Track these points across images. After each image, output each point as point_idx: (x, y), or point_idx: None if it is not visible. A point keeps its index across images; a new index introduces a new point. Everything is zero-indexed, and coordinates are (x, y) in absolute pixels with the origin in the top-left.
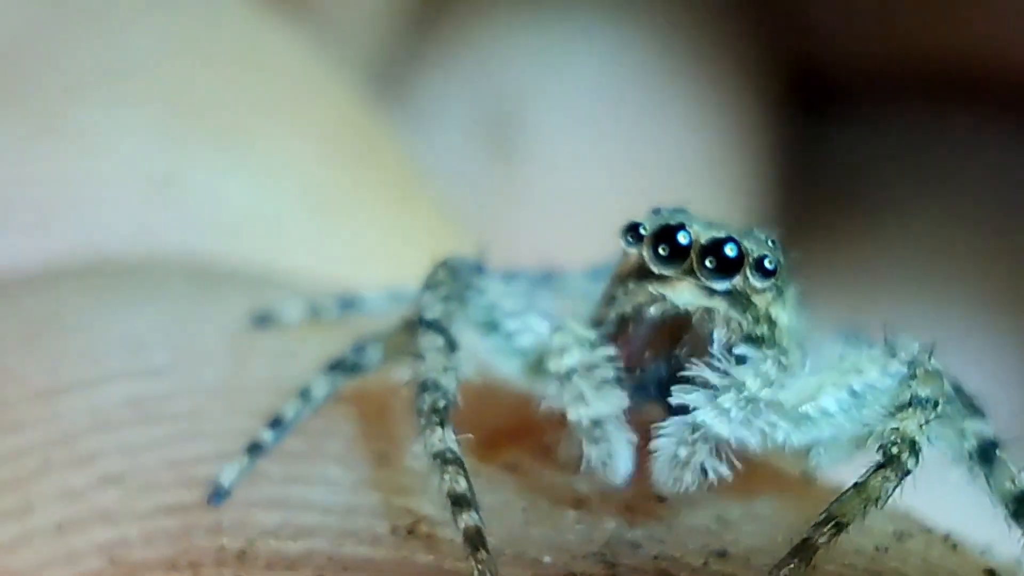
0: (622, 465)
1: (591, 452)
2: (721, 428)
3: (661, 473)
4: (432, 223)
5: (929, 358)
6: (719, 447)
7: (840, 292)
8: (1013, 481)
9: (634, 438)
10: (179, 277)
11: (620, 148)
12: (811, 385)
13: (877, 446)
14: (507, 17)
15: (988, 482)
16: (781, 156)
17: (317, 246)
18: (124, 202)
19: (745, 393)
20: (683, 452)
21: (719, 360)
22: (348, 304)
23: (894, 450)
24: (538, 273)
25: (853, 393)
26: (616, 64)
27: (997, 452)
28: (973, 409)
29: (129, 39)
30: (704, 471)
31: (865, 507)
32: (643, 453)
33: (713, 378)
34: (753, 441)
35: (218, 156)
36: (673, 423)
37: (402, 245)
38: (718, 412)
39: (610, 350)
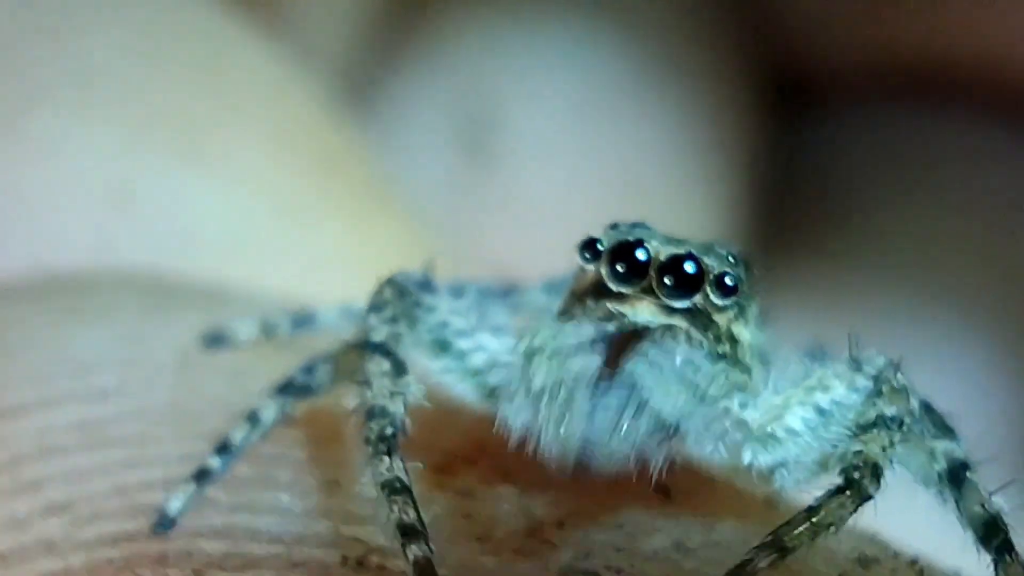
0: (576, 428)
1: (548, 411)
2: (667, 407)
3: (599, 432)
4: (398, 233)
5: (895, 373)
6: (662, 434)
7: (822, 297)
8: (983, 505)
9: (589, 408)
10: (131, 294)
11: (597, 153)
12: (776, 404)
13: (839, 469)
14: (482, 22)
15: (958, 505)
16: (762, 159)
17: (278, 258)
18: (82, 214)
19: (699, 387)
20: (629, 412)
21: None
22: (301, 322)
23: (855, 474)
24: (495, 286)
25: (820, 411)
26: (593, 68)
27: (967, 475)
28: (943, 429)
29: (90, 47)
30: (642, 449)
31: (816, 533)
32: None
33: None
34: (704, 445)
35: (178, 166)
36: (623, 382)
37: (365, 256)
38: (665, 392)
39: (582, 333)
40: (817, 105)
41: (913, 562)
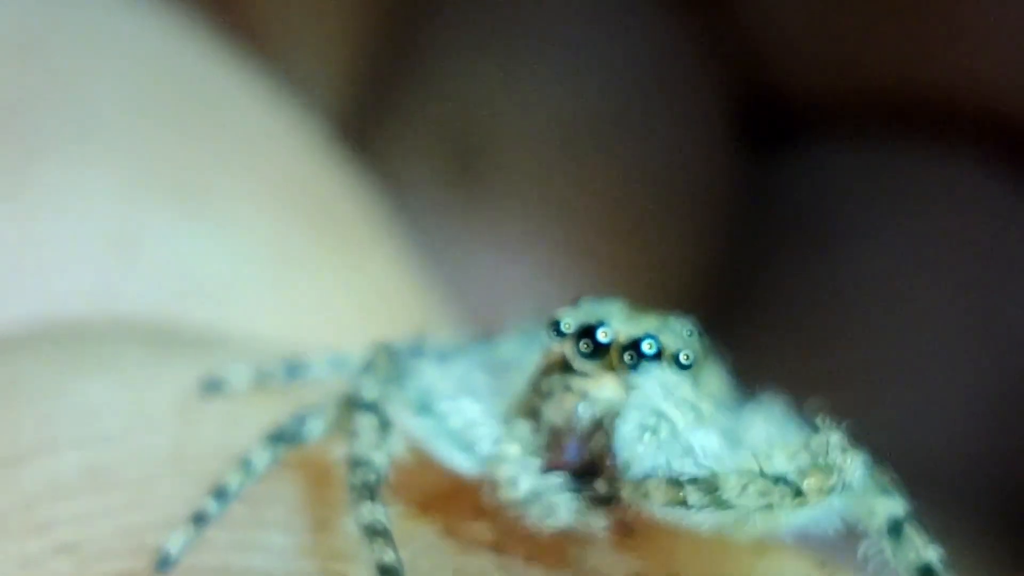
0: (563, 518)
1: (532, 512)
2: (676, 417)
3: (625, 441)
4: (391, 275)
5: (827, 452)
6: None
7: (796, 331)
8: (917, 553)
9: (575, 495)
10: (132, 342)
11: (581, 182)
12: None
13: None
14: (470, 54)
15: (894, 554)
16: (738, 187)
17: (274, 306)
18: (85, 264)
19: (684, 400)
20: (651, 421)
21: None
22: (294, 370)
23: (682, 478)
24: (474, 343)
25: (751, 474)
26: (576, 99)
27: (905, 527)
28: (884, 488)
29: (92, 100)
30: (665, 447)
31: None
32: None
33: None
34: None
35: (177, 216)
36: (639, 404)
37: (359, 301)
38: (671, 404)
39: (557, 476)
40: (792, 139)
41: None
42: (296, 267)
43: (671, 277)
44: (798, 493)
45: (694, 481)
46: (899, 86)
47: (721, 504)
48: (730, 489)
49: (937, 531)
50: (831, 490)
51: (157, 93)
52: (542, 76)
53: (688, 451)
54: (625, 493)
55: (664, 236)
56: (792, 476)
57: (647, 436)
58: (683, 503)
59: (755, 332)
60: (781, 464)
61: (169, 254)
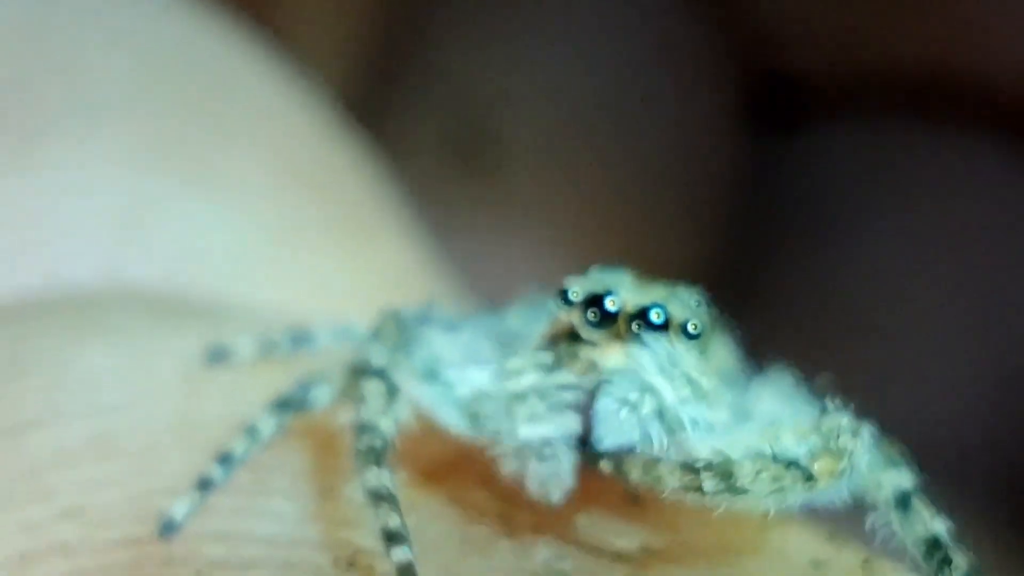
0: (564, 483)
1: (537, 469)
2: (666, 391)
3: (604, 423)
4: (398, 253)
5: (841, 435)
6: (664, 409)
7: (804, 312)
8: (925, 525)
9: (577, 459)
10: (138, 312)
11: (588, 162)
12: (726, 444)
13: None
14: (480, 36)
15: (902, 526)
16: (746, 170)
17: (280, 279)
18: (92, 237)
19: (684, 374)
20: (632, 396)
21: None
22: (300, 340)
23: (699, 464)
24: (482, 313)
25: (760, 454)
26: (583, 80)
27: (913, 499)
28: (892, 460)
29: (100, 75)
30: (644, 428)
31: (644, 475)
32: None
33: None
34: (687, 422)
35: (184, 189)
36: (623, 377)
37: (365, 276)
38: (664, 378)
39: (565, 376)
40: (799, 124)
41: (865, 562)
42: (303, 241)
43: (677, 259)
44: (809, 478)
45: (709, 467)
46: (908, 71)
47: (735, 491)
48: (744, 476)
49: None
50: (841, 474)
51: (164, 69)
52: (551, 59)
53: (679, 426)
54: (635, 475)
55: (671, 219)
56: (804, 461)
57: (624, 411)
58: (698, 489)
59: (758, 318)
60: (791, 446)
61: (175, 226)
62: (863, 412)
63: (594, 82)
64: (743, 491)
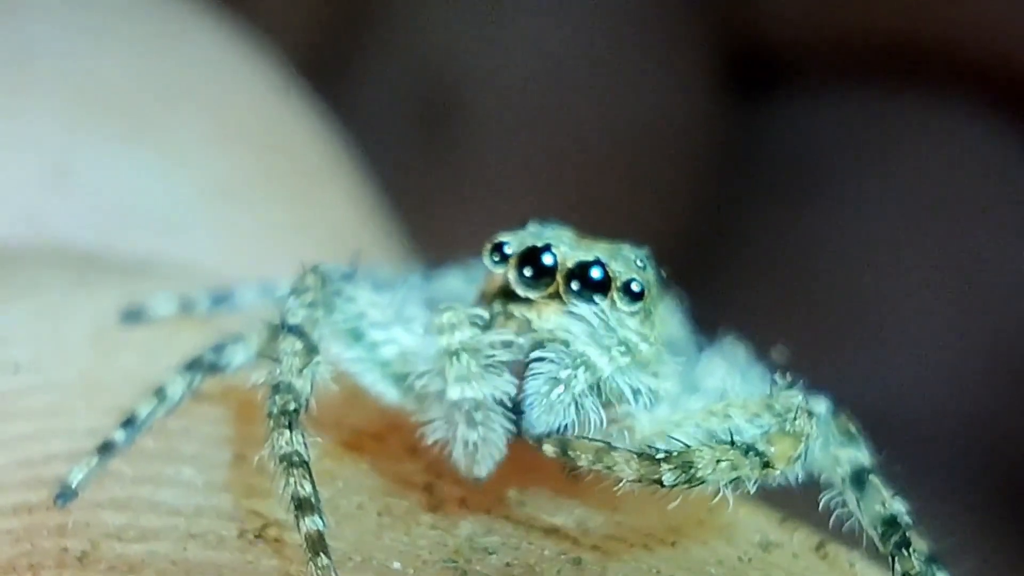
0: (494, 452)
1: (466, 435)
2: (602, 363)
3: (536, 405)
4: (344, 213)
5: (795, 417)
6: (599, 384)
7: (786, 279)
8: (883, 504)
9: (510, 427)
10: (57, 269)
11: (555, 132)
12: (671, 420)
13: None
14: (445, 2)
15: (859, 505)
16: (724, 136)
17: (217, 237)
18: (16, 190)
19: (621, 346)
20: (563, 374)
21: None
22: (220, 299)
23: (659, 455)
24: (416, 274)
25: (710, 434)
26: (552, 48)
27: (870, 477)
28: (848, 436)
29: (36, 26)
30: (580, 403)
31: (594, 463)
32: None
33: (593, 321)
34: (628, 393)
35: (117, 145)
36: (554, 351)
37: (307, 235)
38: (599, 348)
39: (502, 334)
40: (780, 85)
41: (819, 546)
42: (242, 200)
43: (652, 229)
44: (767, 464)
45: (668, 458)
46: (886, 38)
47: (694, 481)
48: (704, 465)
49: (924, 493)
50: (798, 459)
51: (101, 21)
52: (523, 26)
53: (618, 398)
54: (584, 463)
55: (646, 188)
56: (760, 445)
57: (556, 392)
58: (657, 481)
59: (741, 286)
60: (743, 424)
61: (106, 182)
62: (821, 383)
63: (568, 49)
64: (701, 481)
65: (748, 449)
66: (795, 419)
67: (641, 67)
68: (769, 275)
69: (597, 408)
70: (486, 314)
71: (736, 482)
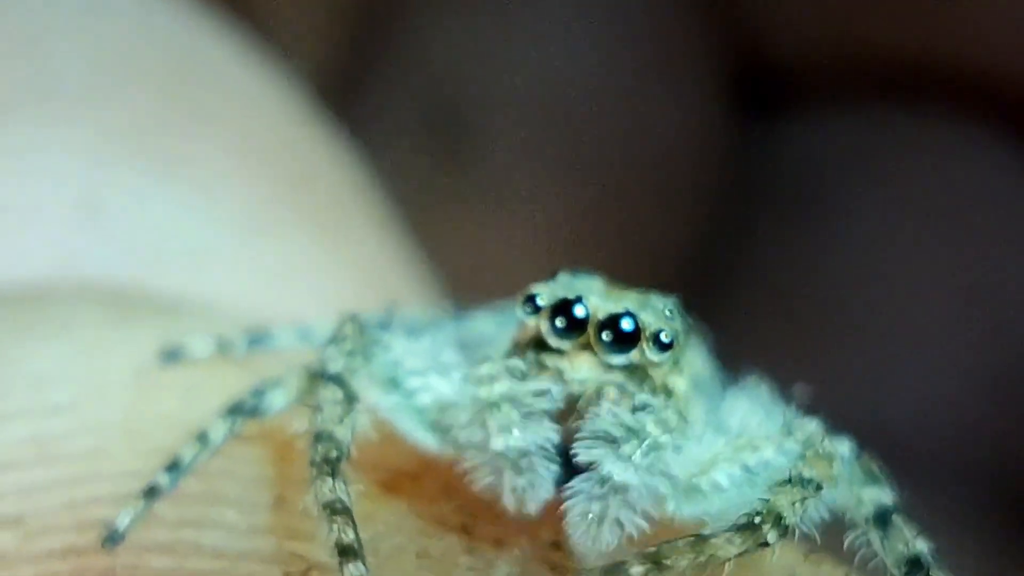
0: (542, 493)
1: (514, 482)
2: (628, 477)
3: (578, 534)
4: (371, 248)
5: (822, 440)
6: (632, 498)
7: (791, 297)
8: (907, 544)
9: (556, 468)
10: (92, 307)
11: (567, 147)
12: (705, 457)
13: (743, 513)
14: (459, 21)
15: (883, 545)
16: (730, 155)
17: (247, 274)
18: (47, 226)
19: (647, 439)
20: (596, 507)
21: (615, 414)
22: (257, 340)
23: (756, 519)
24: (447, 317)
25: (746, 469)
26: (563, 63)
27: (893, 517)
28: (872, 476)
29: (61, 58)
30: (620, 524)
31: (697, 556)
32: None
33: (613, 429)
34: (663, 487)
35: (147, 179)
36: (580, 480)
37: (336, 273)
38: (623, 461)
39: (539, 384)
40: (786, 104)
41: None
42: (272, 235)
43: (660, 248)
44: (818, 488)
45: (763, 517)
46: (893, 57)
47: (788, 530)
48: (788, 512)
49: (930, 513)
50: (836, 478)
51: (127, 53)
52: (534, 46)
53: (660, 471)
54: (686, 563)
55: (654, 207)
56: (806, 472)
57: (594, 523)
58: (763, 544)
59: (746, 305)
60: (772, 457)
61: (137, 217)
62: (824, 400)
63: (577, 69)
64: (788, 527)
65: (800, 480)
66: (822, 440)
67: (649, 86)
68: (773, 292)
69: (635, 522)
70: (523, 365)
71: (805, 515)
